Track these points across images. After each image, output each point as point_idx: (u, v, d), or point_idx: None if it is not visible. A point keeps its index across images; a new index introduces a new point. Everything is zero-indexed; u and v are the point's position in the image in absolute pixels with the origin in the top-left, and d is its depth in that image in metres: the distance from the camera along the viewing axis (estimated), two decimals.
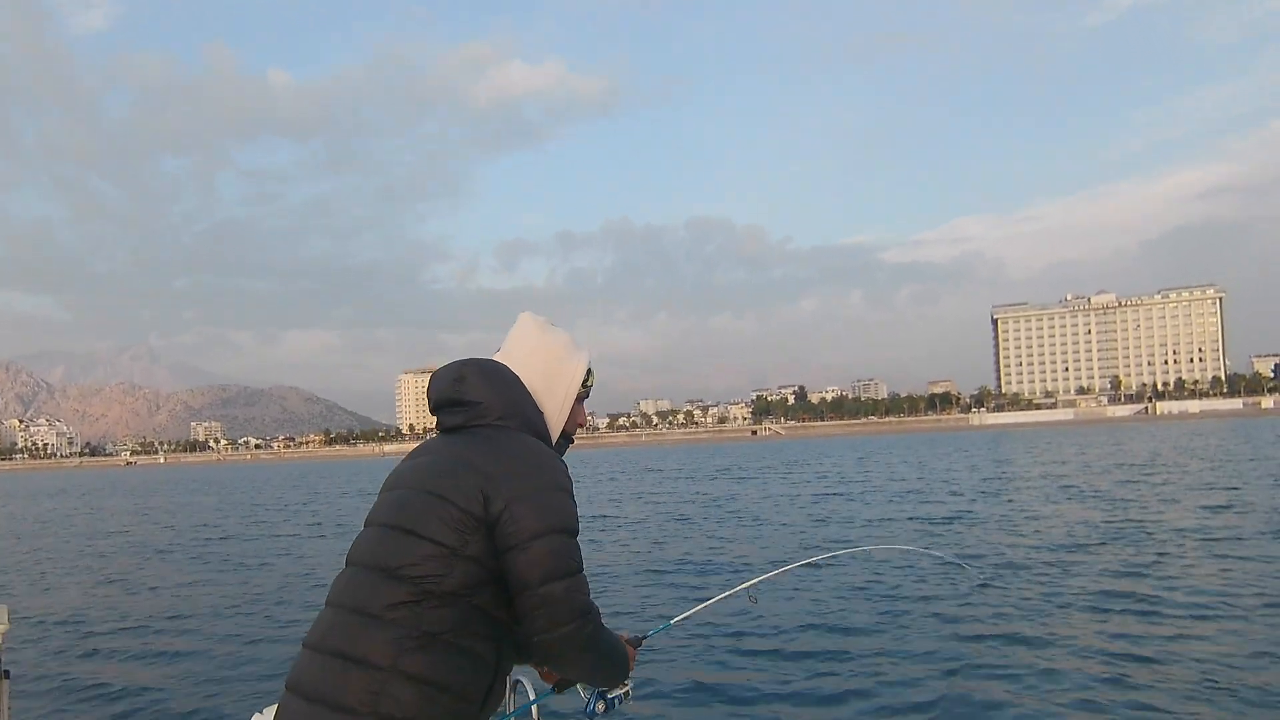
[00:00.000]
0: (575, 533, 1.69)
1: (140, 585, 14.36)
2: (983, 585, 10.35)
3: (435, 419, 1.85)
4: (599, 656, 1.70)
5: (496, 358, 1.91)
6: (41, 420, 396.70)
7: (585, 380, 1.93)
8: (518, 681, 1.89)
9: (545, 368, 1.88)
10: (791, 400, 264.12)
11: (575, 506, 1.72)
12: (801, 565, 2.94)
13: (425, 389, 1.91)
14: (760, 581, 2.57)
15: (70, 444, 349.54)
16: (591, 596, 1.67)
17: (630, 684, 1.91)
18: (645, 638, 2.06)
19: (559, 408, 1.89)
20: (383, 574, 1.64)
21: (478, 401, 1.78)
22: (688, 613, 2.33)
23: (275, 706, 2.09)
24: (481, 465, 1.67)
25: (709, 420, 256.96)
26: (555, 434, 1.89)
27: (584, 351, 1.95)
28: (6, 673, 2.35)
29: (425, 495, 1.68)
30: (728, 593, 2.59)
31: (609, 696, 1.94)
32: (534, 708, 1.90)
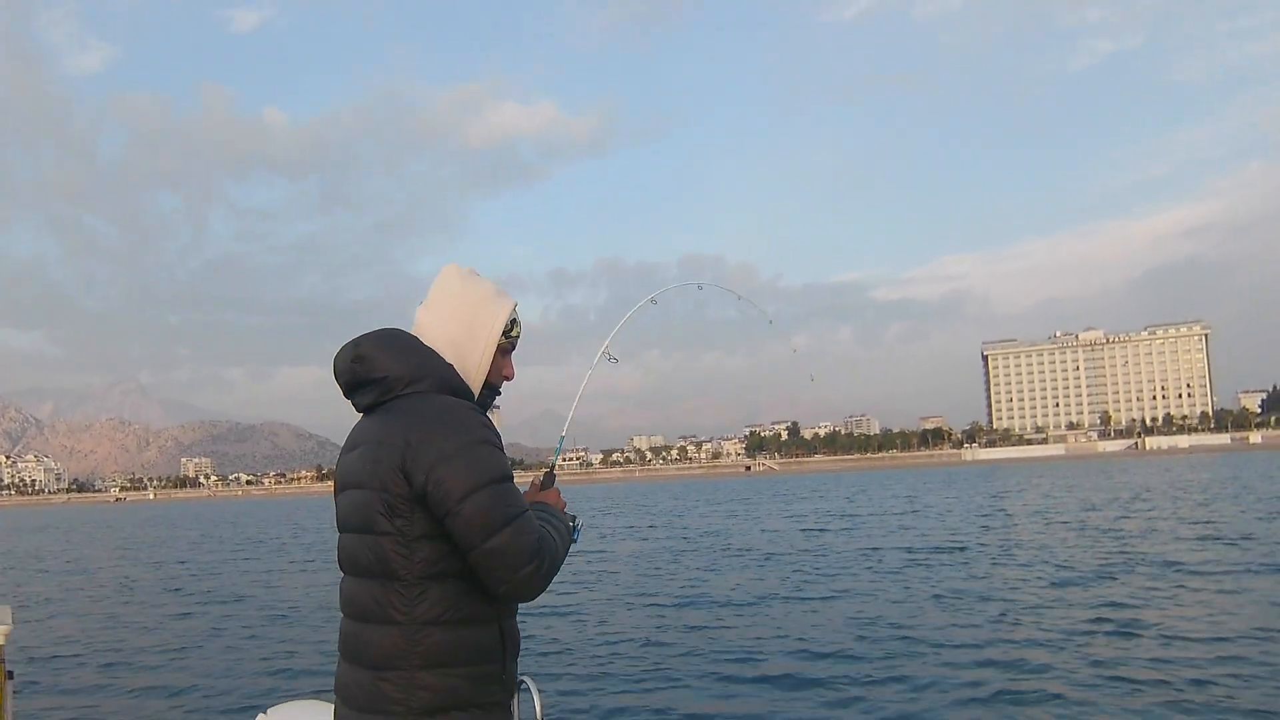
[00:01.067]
0: (505, 479, 1.66)
1: (144, 602, 14.70)
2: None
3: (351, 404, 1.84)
4: (553, 570, 1.72)
5: (419, 310, 1.88)
6: (30, 456, 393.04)
7: (509, 330, 1.87)
8: (522, 681, 1.94)
9: (466, 317, 1.83)
10: (785, 436, 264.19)
11: (499, 452, 1.69)
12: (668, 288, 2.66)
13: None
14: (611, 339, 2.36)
15: (58, 480, 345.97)
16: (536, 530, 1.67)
17: (576, 517, 1.95)
18: (553, 466, 2.10)
19: (479, 358, 1.83)
20: (367, 579, 1.68)
21: (383, 376, 1.74)
22: (568, 417, 2.37)
23: (278, 707, 2.06)
24: (396, 441, 1.65)
25: (702, 456, 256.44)
26: (477, 387, 1.84)
27: (507, 299, 1.88)
28: (10, 673, 2.39)
29: (366, 492, 1.68)
30: (587, 373, 2.43)
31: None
32: (538, 710, 1.96)
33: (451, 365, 1.79)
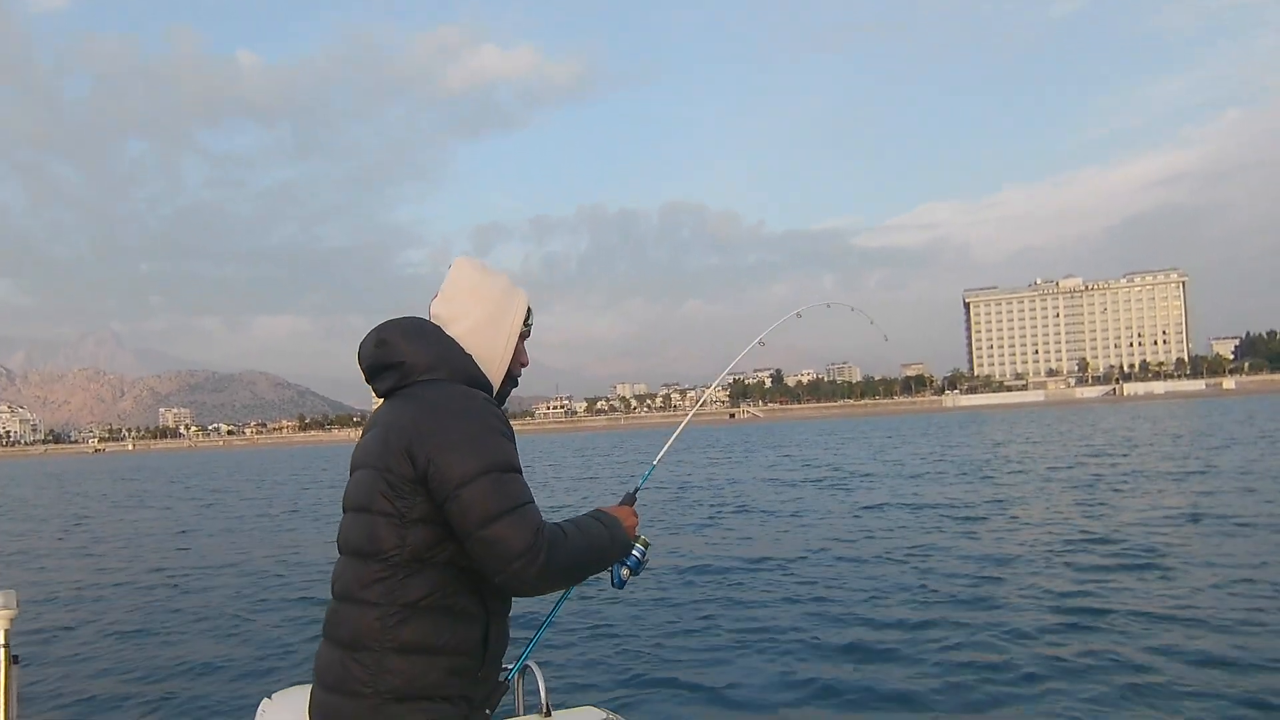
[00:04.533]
0: (508, 469, 1.66)
1: (154, 571, 14.34)
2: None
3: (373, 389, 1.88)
4: (569, 569, 1.69)
5: (435, 304, 1.90)
6: (4, 407, 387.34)
7: (526, 319, 1.93)
8: (526, 667, 1.88)
9: (487, 310, 1.87)
10: (768, 383, 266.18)
11: (507, 442, 1.70)
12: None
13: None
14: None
15: (34, 431, 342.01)
16: (541, 521, 1.65)
17: (642, 541, 1.93)
18: (637, 490, 2.08)
19: (503, 349, 1.88)
20: (356, 557, 1.69)
21: (402, 361, 1.78)
22: (663, 450, 2.37)
23: (284, 691, 2.12)
24: (406, 424, 1.67)
25: (686, 403, 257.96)
26: (500, 375, 1.89)
27: (522, 290, 1.95)
28: (16, 658, 2.40)
29: (370, 470, 1.71)
30: (684, 422, 2.61)
31: (627, 562, 1.94)
32: (543, 693, 1.88)
33: (470, 356, 1.82)
